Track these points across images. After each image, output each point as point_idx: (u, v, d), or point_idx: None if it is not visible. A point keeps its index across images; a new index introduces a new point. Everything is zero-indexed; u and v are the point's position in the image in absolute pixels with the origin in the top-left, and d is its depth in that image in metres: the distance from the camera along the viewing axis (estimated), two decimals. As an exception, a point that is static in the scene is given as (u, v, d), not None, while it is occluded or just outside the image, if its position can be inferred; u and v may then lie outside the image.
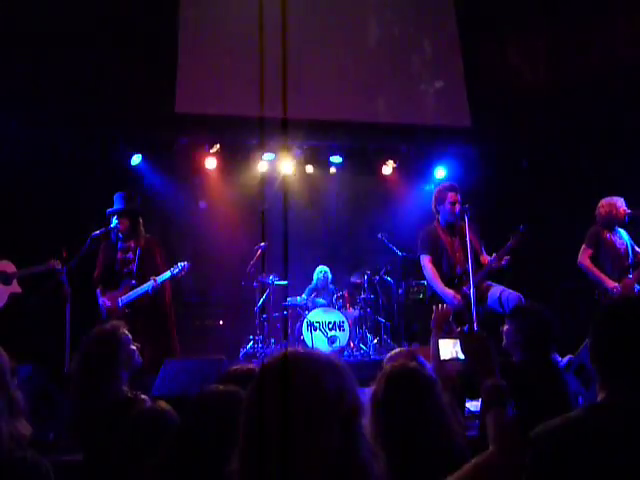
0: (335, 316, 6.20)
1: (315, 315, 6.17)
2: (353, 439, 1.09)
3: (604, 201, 5.00)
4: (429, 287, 4.60)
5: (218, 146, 6.93)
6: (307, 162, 7.45)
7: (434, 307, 2.87)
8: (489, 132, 7.07)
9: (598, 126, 6.57)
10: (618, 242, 4.92)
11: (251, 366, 2.12)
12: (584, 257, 4.92)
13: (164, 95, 6.35)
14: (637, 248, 4.98)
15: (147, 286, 4.32)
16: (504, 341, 2.74)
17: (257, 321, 6.32)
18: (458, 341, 1.70)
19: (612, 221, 4.94)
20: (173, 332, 4.48)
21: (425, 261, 4.53)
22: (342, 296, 6.55)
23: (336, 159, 7.37)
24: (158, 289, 4.35)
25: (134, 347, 2.55)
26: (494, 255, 4.40)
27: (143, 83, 6.29)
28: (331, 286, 6.76)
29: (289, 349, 1.13)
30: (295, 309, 6.45)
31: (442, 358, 1.69)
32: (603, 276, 4.77)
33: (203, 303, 6.89)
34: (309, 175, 7.57)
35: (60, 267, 4.46)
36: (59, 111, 6.05)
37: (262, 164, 7.27)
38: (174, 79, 6.45)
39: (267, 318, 6.36)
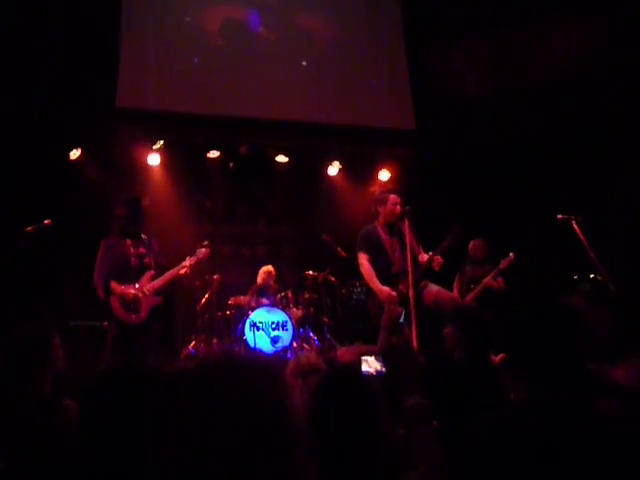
0: (278, 316, 6.17)
1: (258, 315, 6.13)
2: (296, 461, 1.04)
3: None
4: (366, 286, 4.69)
5: (162, 142, 6.80)
6: (252, 161, 7.40)
7: (385, 306, 2.89)
8: (433, 135, 7.19)
9: (540, 132, 6.79)
10: None
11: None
12: None
13: (105, 89, 6.19)
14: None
15: (173, 273, 4.75)
16: (447, 343, 2.79)
17: (199, 320, 6.24)
18: (380, 356, 1.67)
19: None
20: None
21: (362, 259, 4.64)
22: (286, 296, 6.53)
23: (281, 158, 7.36)
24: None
25: (61, 352, 2.48)
26: (430, 254, 4.55)
27: (83, 77, 6.10)
28: (275, 286, 6.73)
29: (231, 351, 1.08)
30: (238, 309, 6.39)
31: (364, 371, 1.66)
32: None
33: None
34: (254, 174, 7.52)
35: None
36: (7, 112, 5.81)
37: (206, 161, 7.20)
38: (116, 73, 6.29)
39: (210, 317, 6.28)
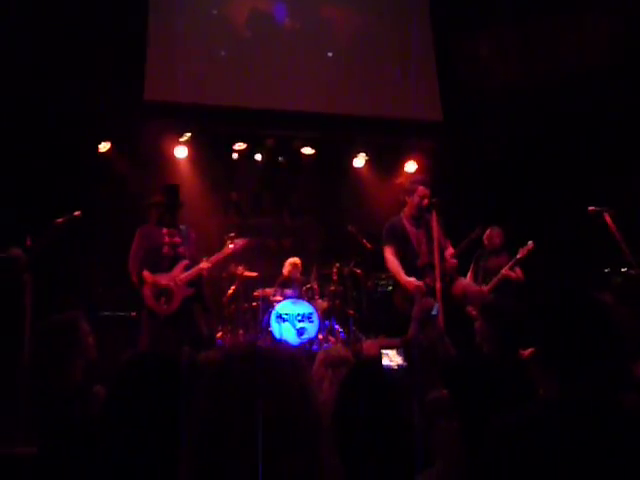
0: (304, 308, 6.19)
1: (284, 307, 6.16)
2: (319, 454, 1.04)
3: None
4: (392, 279, 4.66)
5: (189, 135, 6.85)
6: (278, 153, 7.41)
7: (416, 298, 2.87)
8: (460, 126, 7.11)
9: (571, 122, 6.65)
10: None
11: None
12: None
13: (133, 82, 6.25)
14: None
15: (202, 266, 4.63)
16: (477, 337, 2.76)
17: (226, 312, 6.29)
18: (401, 349, 1.66)
19: None
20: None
21: (388, 252, 4.58)
22: (311, 288, 6.54)
23: (307, 150, 7.35)
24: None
25: (91, 339, 2.52)
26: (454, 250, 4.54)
27: (112, 70, 6.17)
28: (300, 278, 6.74)
29: (256, 342, 1.07)
30: (264, 300, 6.42)
31: (386, 365, 1.65)
32: None
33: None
34: (280, 166, 7.54)
35: (22, 255, 4.36)
36: (25, 96, 5.90)
37: (233, 154, 7.23)
38: (143, 66, 6.34)
39: (236, 309, 6.32)
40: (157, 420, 1.43)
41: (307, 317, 6.15)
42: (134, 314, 5.58)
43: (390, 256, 4.56)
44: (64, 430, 2.03)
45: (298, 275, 6.73)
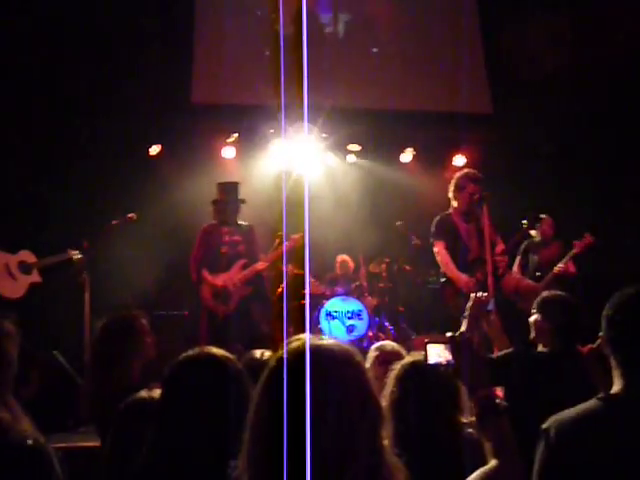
0: (353, 305, 6.18)
1: (333, 304, 6.16)
2: (379, 442, 1.03)
3: None
4: (442, 275, 4.61)
5: (236, 135, 6.94)
6: (325, 150, 7.42)
7: (472, 295, 2.83)
8: (511, 118, 6.95)
9: (624, 111, 6.42)
10: None
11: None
12: None
13: (181, 85, 6.37)
14: None
15: (258, 265, 4.59)
16: (533, 332, 2.70)
17: (275, 309, 6.33)
18: (448, 346, 1.63)
19: None
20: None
21: (438, 247, 4.56)
22: (360, 285, 6.52)
23: (354, 147, 7.33)
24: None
25: (150, 338, 2.57)
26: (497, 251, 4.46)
27: (160, 74, 6.31)
28: (349, 275, 6.73)
29: (310, 337, 1.08)
30: (313, 298, 6.44)
31: (435, 362, 1.63)
32: None
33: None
34: (327, 163, 7.54)
35: (79, 256, 4.51)
36: (77, 101, 6.09)
37: (280, 152, 7.27)
38: (190, 69, 6.46)
39: (285, 307, 6.36)
40: (211, 417, 1.45)
41: (356, 314, 6.14)
42: (187, 313, 5.70)
43: (441, 249, 4.54)
44: (123, 425, 2.08)
45: (347, 272, 6.73)
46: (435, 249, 4.60)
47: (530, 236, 5.59)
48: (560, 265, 5.30)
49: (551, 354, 2.59)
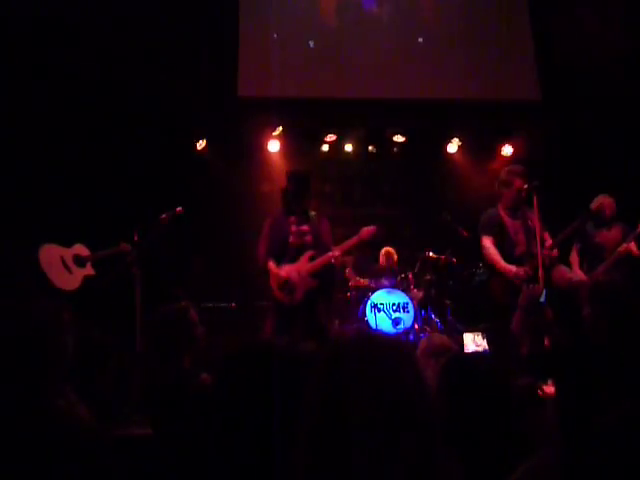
0: (399, 297, 6.14)
1: (379, 296, 6.13)
2: (432, 437, 1.03)
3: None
4: (489, 268, 4.55)
5: (280, 128, 6.97)
6: (370, 142, 7.39)
7: (524, 286, 2.78)
8: (560, 106, 6.76)
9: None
10: None
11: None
12: None
13: (227, 79, 6.44)
14: None
15: (329, 256, 4.42)
16: (586, 325, 2.63)
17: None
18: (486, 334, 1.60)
19: None
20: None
21: (485, 241, 4.52)
22: (406, 277, 6.47)
23: (398, 138, 7.27)
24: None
25: (200, 330, 2.62)
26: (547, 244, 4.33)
27: (206, 68, 6.39)
28: (395, 267, 6.69)
29: (364, 331, 1.07)
30: (359, 290, 6.43)
31: (472, 350, 1.61)
32: None
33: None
34: (372, 155, 7.51)
35: (130, 250, 4.62)
36: (125, 97, 6.23)
37: (324, 145, 7.29)
38: (236, 63, 6.52)
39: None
40: (261, 408, 1.47)
41: (402, 307, 6.10)
42: (234, 305, 5.78)
43: (488, 244, 4.51)
44: (175, 414, 2.13)
45: (392, 264, 6.69)
46: (482, 243, 4.56)
47: (590, 218, 5.18)
48: (624, 246, 4.92)
49: (603, 347, 2.51)
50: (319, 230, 4.53)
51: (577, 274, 4.82)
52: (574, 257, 5.21)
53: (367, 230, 4.58)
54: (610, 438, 1.27)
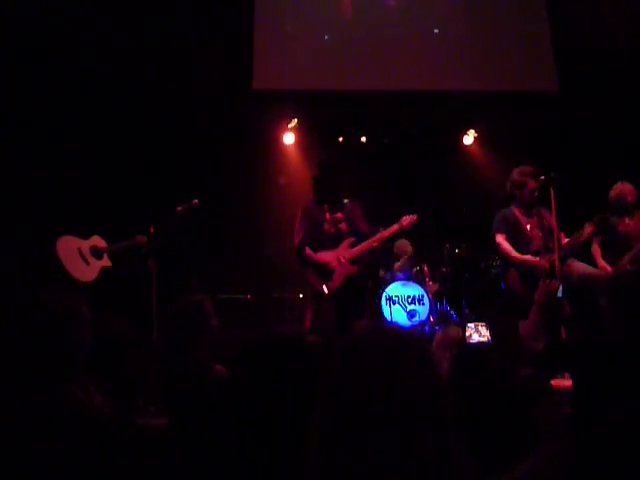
0: (414, 290, 6.12)
1: (394, 289, 6.12)
2: (449, 433, 1.01)
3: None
4: (505, 262, 4.53)
5: (295, 121, 6.97)
6: (385, 134, 7.35)
7: (540, 281, 2.76)
8: (578, 97, 6.67)
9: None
10: None
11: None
12: None
13: (242, 72, 6.44)
14: None
15: (370, 243, 4.49)
16: (603, 319, 2.61)
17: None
18: (488, 325, 1.60)
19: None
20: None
21: (499, 238, 4.51)
22: (422, 270, 6.45)
23: (414, 130, 7.23)
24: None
25: (215, 321, 2.65)
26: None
27: (221, 60, 6.40)
28: (410, 259, 6.66)
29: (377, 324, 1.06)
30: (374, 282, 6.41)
31: (476, 341, 1.60)
32: None
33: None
34: (388, 147, 7.47)
35: (147, 242, 4.66)
36: (141, 95, 6.26)
37: (339, 137, 7.27)
38: (251, 56, 6.52)
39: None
40: (280, 398, 1.47)
41: (418, 299, 6.08)
42: (250, 297, 5.81)
43: (502, 240, 4.50)
44: (190, 404, 2.16)
45: (408, 257, 6.66)
46: (497, 240, 4.55)
47: (604, 222, 4.92)
48: None
49: (620, 341, 2.49)
50: (353, 217, 4.56)
51: (602, 266, 4.63)
52: (595, 249, 4.98)
53: (408, 218, 4.67)
54: (625, 431, 1.27)
